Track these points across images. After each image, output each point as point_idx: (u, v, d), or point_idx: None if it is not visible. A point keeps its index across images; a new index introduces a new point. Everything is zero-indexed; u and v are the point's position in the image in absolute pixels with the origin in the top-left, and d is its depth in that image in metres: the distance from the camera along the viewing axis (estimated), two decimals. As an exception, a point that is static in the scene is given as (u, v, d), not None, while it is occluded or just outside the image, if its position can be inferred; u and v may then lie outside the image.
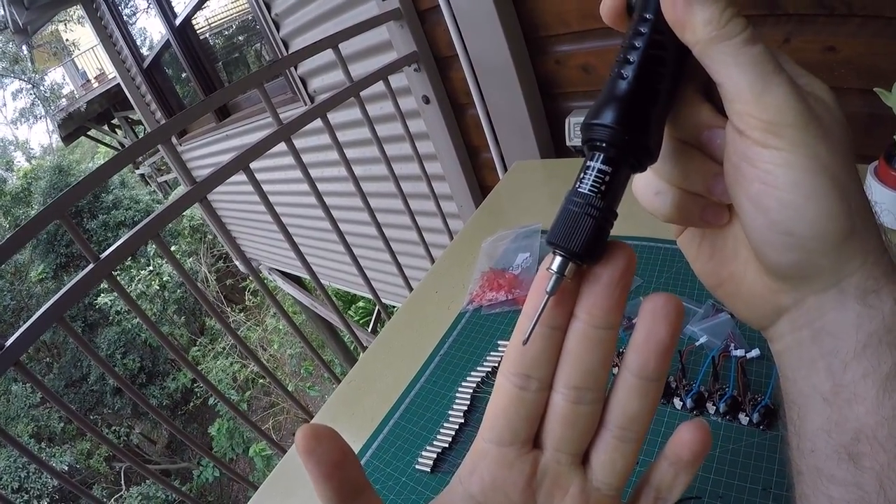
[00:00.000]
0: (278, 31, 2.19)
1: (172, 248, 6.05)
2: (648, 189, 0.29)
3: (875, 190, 0.71)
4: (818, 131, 0.23)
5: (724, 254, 0.30)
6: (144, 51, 3.93)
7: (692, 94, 0.27)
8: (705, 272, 0.31)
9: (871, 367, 0.23)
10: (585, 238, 0.24)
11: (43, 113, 12.47)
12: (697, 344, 0.66)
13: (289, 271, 4.28)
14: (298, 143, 1.31)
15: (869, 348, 0.24)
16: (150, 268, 7.32)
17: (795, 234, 0.24)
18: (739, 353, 0.62)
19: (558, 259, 0.25)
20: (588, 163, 0.25)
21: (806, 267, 0.25)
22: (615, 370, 0.27)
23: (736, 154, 0.25)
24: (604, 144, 0.25)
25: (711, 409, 0.58)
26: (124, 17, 3.91)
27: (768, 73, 0.23)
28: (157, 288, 7.27)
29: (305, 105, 2.32)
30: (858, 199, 0.24)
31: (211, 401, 6.88)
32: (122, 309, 7.02)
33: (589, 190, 0.25)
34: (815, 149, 0.23)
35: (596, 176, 0.25)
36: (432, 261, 1.68)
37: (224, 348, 7.31)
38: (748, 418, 0.56)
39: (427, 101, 1.61)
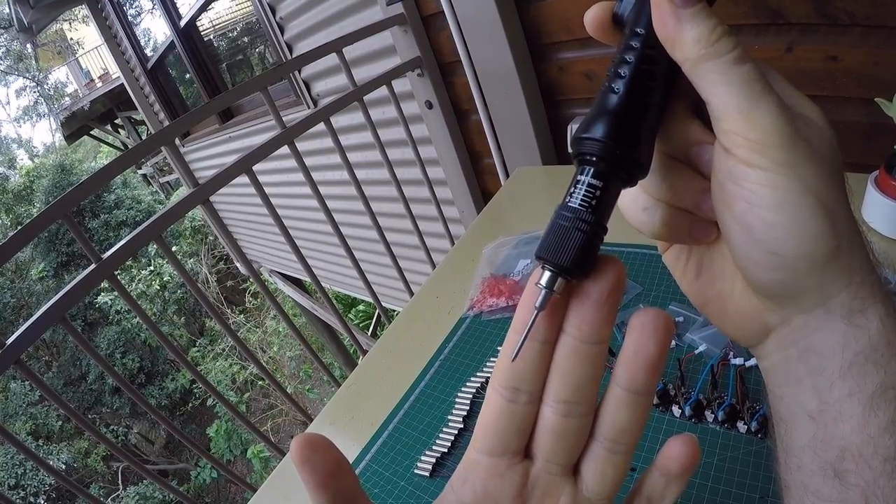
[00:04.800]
0: (283, 34, 2.19)
1: (173, 249, 6.05)
2: (635, 204, 0.29)
3: (874, 199, 0.71)
4: (805, 152, 0.23)
5: (711, 272, 0.30)
6: (148, 51, 3.94)
7: (682, 109, 0.27)
8: (692, 291, 0.31)
9: (857, 385, 0.24)
10: (575, 253, 0.24)
11: (46, 111, 12.52)
12: (697, 352, 0.66)
13: (289, 274, 4.28)
14: (301, 146, 1.31)
15: (855, 367, 0.24)
16: (151, 268, 7.33)
17: (780, 253, 0.24)
18: (738, 361, 0.62)
19: (547, 274, 0.25)
20: (578, 177, 0.25)
21: (791, 286, 0.25)
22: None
23: (722, 172, 0.25)
24: (594, 158, 0.25)
25: (710, 417, 0.59)
26: (129, 18, 3.92)
27: (756, 93, 0.23)
28: (158, 288, 7.28)
29: (309, 108, 2.33)
30: (845, 220, 0.24)
31: (210, 402, 6.88)
32: (122, 308, 7.03)
33: (579, 204, 0.24)
34: (801, 170, 0.23)
35: (586, 190, 0.25)
36: (433, 265, 1.68)
37: (224, 349, 7.31)
38: (746, 427, 0.56)
39: (430, 106, 1.62)
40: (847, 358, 0.24)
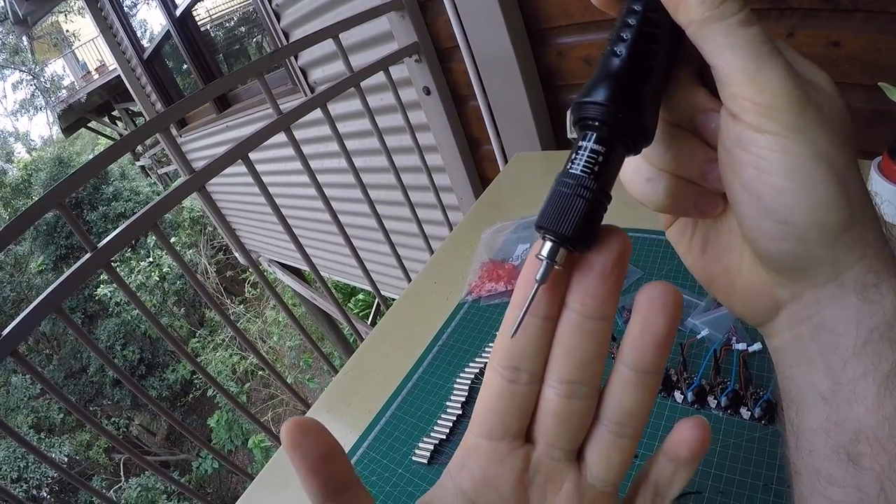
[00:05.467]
0: (279, 21, 2.17)
1: (172, 240, 6.04)
2: (639, 175, 0.28)
3: (878, 185, 0.71)
4: (815, 117, 0.22)
5: (717, 247, 0.29)
6: (145, 42, 3.91)
7: (687, 76, 0.26)
8: (698, 266, 0.30)
9: (872, 364, 0.23)
10: (577, 221, 0.22)
11: (43, 104, 12.46)
12: (699, 337, 0.66)
13: (288, 263, 4.28)
14: (298, 134, 1.30)
15: (869, 345, 0.23)
16: (150, 259, 7.32)
17: (791, 222, 0.23)
18: (741, 346, 0.62)
19: (548, 244, 0.23)
20: (580, 143, 0.24)
21: (802, 258, 0.24)
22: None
23: (729, 139, 0.24)
24: (596, 123, 0.24)
25: (713, 402, 0.58)
26: (125, 9, 3.89)
27: (763, 56, 0.22)
28: (157, 279, 7.28)
29: (305, 96, 2.31)
30: (858, 190, 0.23)
31: (210, 392, 6.89)
32: (121, 300, 7.03)
33: (581, 171, 0.23)
34: (812, 135, 0.22)
35: (588, 156, 0.23)
36: (432, 253, 1.67)
37: (223, 340, 7.32)
38: (749, 413, 0.55)
39: (428, 92, 1.60)
40: (861, 335, 0.23)
